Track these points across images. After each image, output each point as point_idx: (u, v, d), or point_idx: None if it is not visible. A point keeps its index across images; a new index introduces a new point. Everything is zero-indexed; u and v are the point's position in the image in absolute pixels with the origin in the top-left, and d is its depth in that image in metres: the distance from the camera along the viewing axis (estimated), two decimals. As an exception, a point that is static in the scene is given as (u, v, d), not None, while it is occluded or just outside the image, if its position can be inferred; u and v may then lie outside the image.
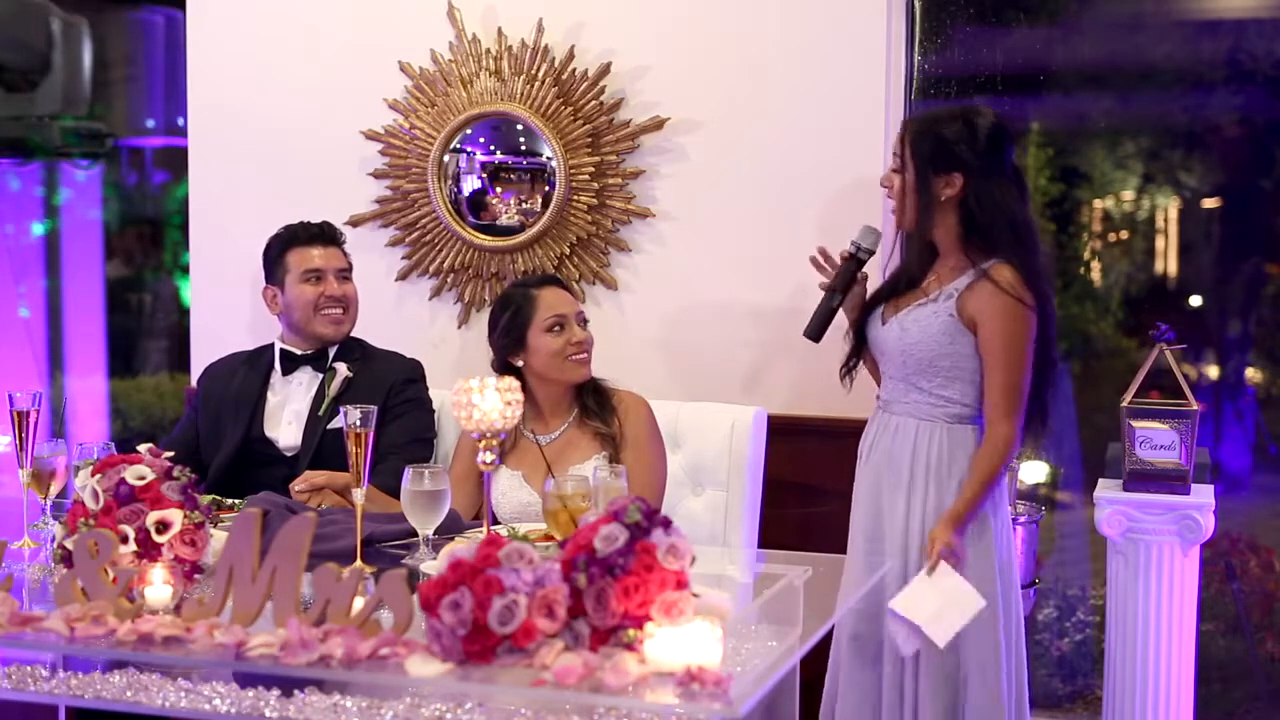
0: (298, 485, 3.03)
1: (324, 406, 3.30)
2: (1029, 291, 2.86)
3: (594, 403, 3.20)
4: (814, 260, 3.12)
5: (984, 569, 2.90)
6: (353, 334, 3.42)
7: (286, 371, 3.39)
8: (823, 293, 3.09)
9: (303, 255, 3.37)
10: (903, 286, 3.03)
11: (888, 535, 2.95)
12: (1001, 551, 2.93)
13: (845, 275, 3.07)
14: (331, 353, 3.38)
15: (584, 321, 3.22)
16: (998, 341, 2.86)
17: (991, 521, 2.92)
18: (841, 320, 3.13)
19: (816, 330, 3.10)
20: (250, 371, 3.42)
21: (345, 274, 3.41)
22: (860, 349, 3.10)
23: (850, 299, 3.09)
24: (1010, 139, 2.94)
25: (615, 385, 3.24)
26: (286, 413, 3.35)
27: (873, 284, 3.17)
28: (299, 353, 3.39)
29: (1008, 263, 2.87)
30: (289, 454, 3.31)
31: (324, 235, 3.41)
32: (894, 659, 2.93)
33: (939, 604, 2.77)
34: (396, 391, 3.34)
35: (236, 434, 3.33)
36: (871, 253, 3.07)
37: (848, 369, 3.12)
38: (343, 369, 3.34)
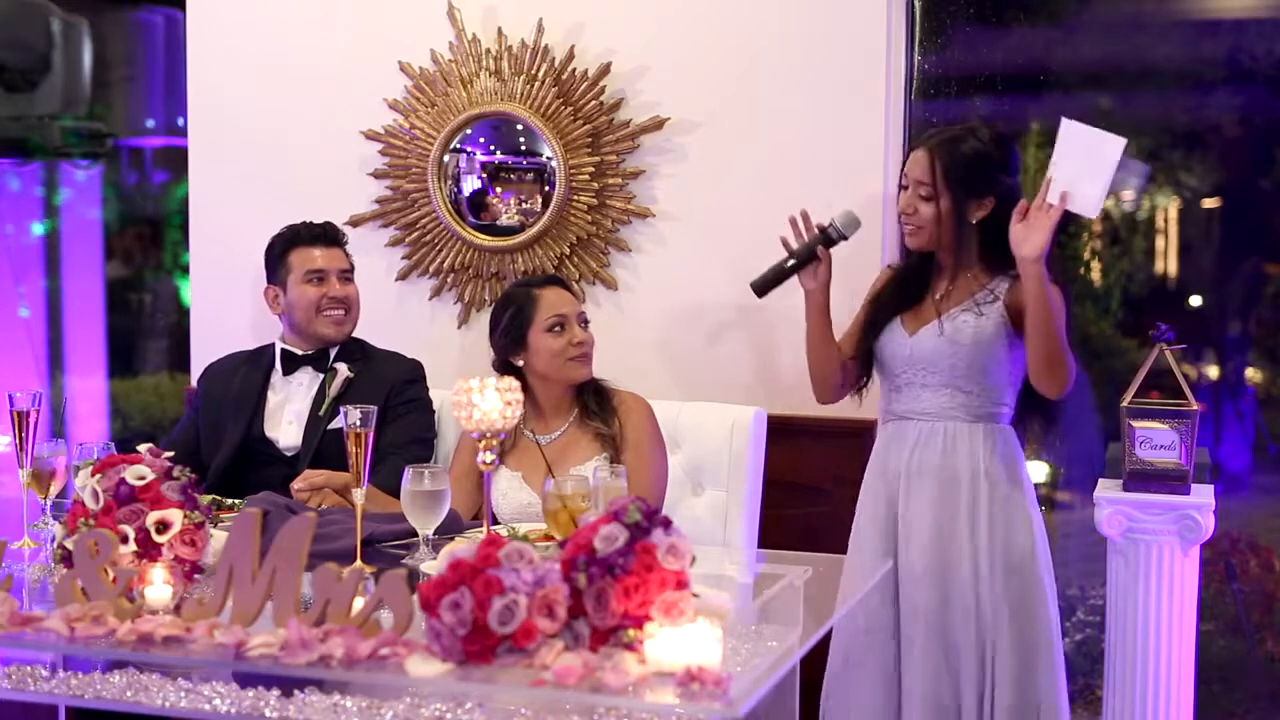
0: (297, 485, 3.03)
1: (324, 407, 3.30)
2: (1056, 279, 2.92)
3: (595, 403, 3.20)
4: (792, 219, 3.10)
5: (1030, 561, 2.99)
6: (353, 334, 3.42)
7: (287, 371, 3.39)
8: (784, 251, 3.10)
9: (305, 256, 3.37)
10: (909, 298, 3.05)
11: (959, 538, 2.98)
12: (1041, 549, 3.03)
13: (810, 245, 3.07)
14: (333, 353, 3.38)
15: (585, 322, 3.22)
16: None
17: (1034, 523, 3.01)
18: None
19: (763, 286, 3.10)
20: (251, 371, 3.42)
21: (347, 275, 3.41)
22: (869, 366, 3.15)
23: (814, 277, 3.08)
24: (1014, 149, 3.02)
25: (616, 386, 3.24)
26: (287, 413, 3.35)
27: (858, 286, 3.19)
28: (300, 353, 3.39)
29: None
30: (289, 454, 3.31)
31: (326, 236, 3.41)
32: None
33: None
34: (397, 392, 3.34)
35: (237, 434, 3.33)
36: (844, 237, 3.08)
37: (858, 388, 3.18)
38: (343, 369, 3.34)
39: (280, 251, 3.40)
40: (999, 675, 2.97)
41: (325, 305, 3.35)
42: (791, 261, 3.08)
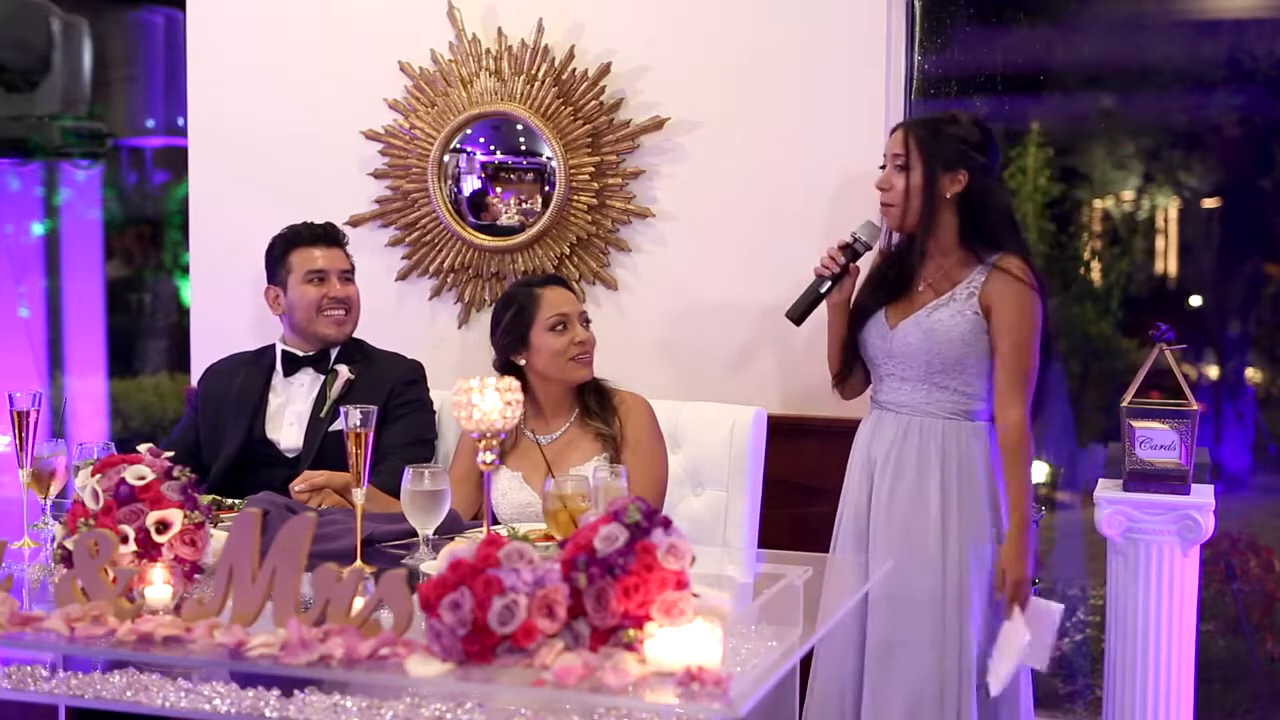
0: (297, 485, 3.03)
1: (325, 409, 3.30)
2: (1035, 279, 2.98)
3: (595, 403, 3.20)
4: (831, 255, 3.13)
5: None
6: (354, 334, 3.42)
7: (288, 373, 3.39)
8: (814, 277, 3.13)
9: (306, 256, 3.37)
10: (895, 289, 3.07)
11: (914, 533, 2.99)
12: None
13: (842, 266, 3.11)
14: (333, 354, 3.38)
15: (586, 321, 3.22)
16: (1016, 329, 2.95)
17: (1003, 526, 3.01)
18: (822, 317, 3.16)
19: (801, 314, 3.15)
20: (252, 372, 3.42)
21: (348, 275, 3.41)
22: (855, 359, 3.17)
23: (840, 291, 3.12)
24: (994, 137, 3.08)
25: (617, 385, 3.24)
26: (288, 414, 3.35)
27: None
28: (301, 354, 3.39)
29: (1014, 253, 3.00)
30: (290, 455, 3.31)
31: (327, 236, 3.41)
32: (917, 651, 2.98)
33: (1029, 633, 2.93)
34: (397, 393, 3.34)
35: (238, 435, 3.33)
36: (869, 247, 3.13)
37: (842, 380, 3.21)
38: (344, 371, 3.34)
39: (281, 252, 3.40)
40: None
41: (326, 305, 3.35)
42: (826, 285, 3.11)
